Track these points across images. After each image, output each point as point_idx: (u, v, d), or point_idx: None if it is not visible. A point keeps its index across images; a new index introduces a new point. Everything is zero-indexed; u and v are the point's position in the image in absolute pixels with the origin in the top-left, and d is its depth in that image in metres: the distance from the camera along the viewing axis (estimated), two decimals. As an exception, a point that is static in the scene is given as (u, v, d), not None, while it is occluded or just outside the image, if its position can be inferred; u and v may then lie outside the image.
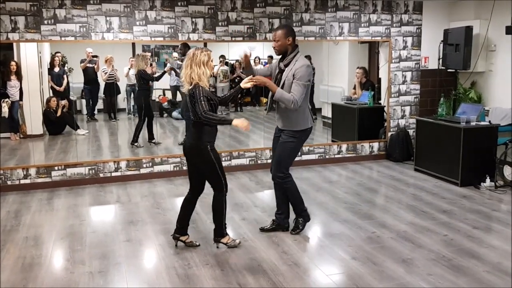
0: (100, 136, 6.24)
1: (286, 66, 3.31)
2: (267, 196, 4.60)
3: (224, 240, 3.26)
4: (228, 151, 5.49)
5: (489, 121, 5.02)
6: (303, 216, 3.56)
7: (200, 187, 3.24)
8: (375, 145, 6.06)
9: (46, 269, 3.01)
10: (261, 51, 6.47)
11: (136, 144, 5.74)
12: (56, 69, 5.65)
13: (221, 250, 3.27)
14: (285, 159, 3.44)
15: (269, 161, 5.58)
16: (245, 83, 3.24)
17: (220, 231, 3.24)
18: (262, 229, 3.59)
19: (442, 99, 5.30)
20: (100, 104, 6.25)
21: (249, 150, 5.58)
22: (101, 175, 5.04)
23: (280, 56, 3.41)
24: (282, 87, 3.28)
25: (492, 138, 4.83)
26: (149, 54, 6.04)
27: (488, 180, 4.72)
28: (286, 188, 3.48)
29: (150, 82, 5.96)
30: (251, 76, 3.31)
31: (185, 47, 5.50)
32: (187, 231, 3.32)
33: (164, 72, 6.07)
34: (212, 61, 3.09)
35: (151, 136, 5.87)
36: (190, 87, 3.01)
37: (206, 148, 3.05)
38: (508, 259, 3.09)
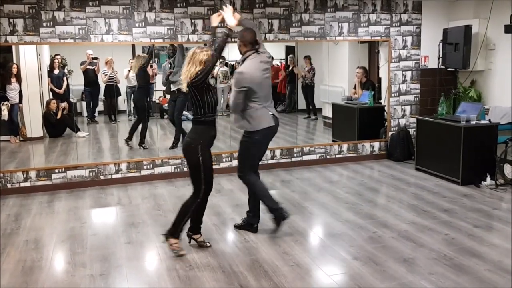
0: (100, 138, 6.24)
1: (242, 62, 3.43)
2: (268, 196, 4.60)
3: (171, 241, 3.16)
4: (229, 152, 5.48)
5: (489, 120, 5.02)
6: (278, 215, 3.42)
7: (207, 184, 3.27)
8: (376, 144, 6.06)
9: (46, 272, 3.00)
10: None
11: (143, 145, 5.73)
12: (56, 71, 5.65)
13: (222, 251, 3.26)
14: (241, 159, 3.50)
15: (271, 161, 5.59)
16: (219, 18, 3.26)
17: (172, 230, 3.16)
18: (235, 226, 3.67)
19: (442, 98, 5.30)
20: (100, 106, 6.24)
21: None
22: (102, 177, 5.03)
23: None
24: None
25: (492, 137, 4.82)
26: (147, 55, 5.98)
27: (488, 178, 4.71)
28: (248, 187, 3.51)
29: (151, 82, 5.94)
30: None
31: (174, 47, 5.63)
32: (200, 230, 3.34)
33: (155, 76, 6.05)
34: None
35: (142, 140, 5.79)
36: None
37: (197, 147, 3.05)
38: (509, 257, 3.08)
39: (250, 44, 3.37)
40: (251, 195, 3.60)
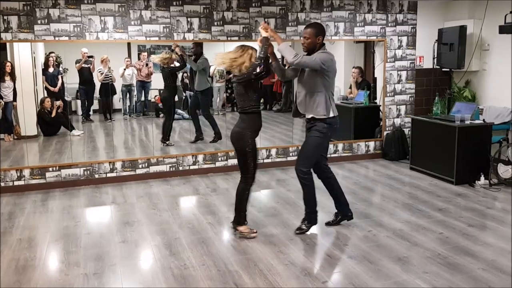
0: (95, 136, 6.21)
1: None
2: (264, 196, 4.60)
3: (240, 229, 3.41)
4: (225, 151, 5.47)
5: (483, 120, 5.05)
6: (311, 219, 3.55)
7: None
8: (371, 144, 6.08)
9: (40, 271, 2.98)
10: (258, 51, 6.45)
11: (167, 142, 5.75)
12: (51, 70, 5.61)
13: (217, 250, 3.26)
14: (310, 154, 3.43)
15: (266, 160, 5.58)
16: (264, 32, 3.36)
17: (237, 219, 3.42)
18: (328, 224, 3.66)
19: (437, 98, 5.32)
20: (95, 105, 6.21)
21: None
22: (96, 176, 5.01)
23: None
24: (303, 77, 3.40)
25: (486, 137, 4.85)
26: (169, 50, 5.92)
27: (482, 178, 4.74)
28: (304, 185, 3.46)
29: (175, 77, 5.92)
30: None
31: (197, 46, 5.66)
32: (245, 220, 3.46)
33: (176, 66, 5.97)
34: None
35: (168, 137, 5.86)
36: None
37: (247, 135, 3.30)
38: (503, 256, 3.10)
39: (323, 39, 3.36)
40: (329, 189, 3.60)
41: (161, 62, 5.75)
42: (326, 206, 3.92)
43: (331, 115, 3.37)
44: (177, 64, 5.77)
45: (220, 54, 3.39)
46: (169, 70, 5.78)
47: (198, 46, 5.75)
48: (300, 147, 3.64)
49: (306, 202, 3.53)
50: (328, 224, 3.66)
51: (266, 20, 3.40)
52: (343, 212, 3.66)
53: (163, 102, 6.09)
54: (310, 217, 3.55)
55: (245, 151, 3.33)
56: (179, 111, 6.68)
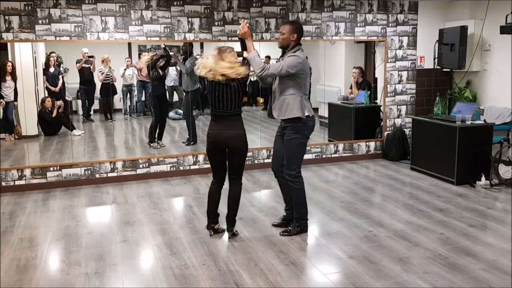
0: (96, 136, 6.21)
1: None
2: (264, 195, 4.60)
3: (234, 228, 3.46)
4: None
5: (484, 120, 5.05)
6: (301, 225, 3.49)
7: (225, 175, 3.46)
8: (372, 144, 6.08)
9: (41, 270, 2.99)
10: (258, 51, 6.44)
11: (159, 142, 5.70)
12: (51, 69, 5.62)
13: (218, 250, 3.26)
14: (293, 156, 3.39)
15: (267, 160, 5.58)
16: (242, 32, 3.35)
17: (233, 220, 3.45)
18: (274, 225, 3.65)
19: (437, 98, 5.32)
20: (96, 105, 6.22)
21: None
22: (97, 175, 5.01)
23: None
24: (276, 81, 3.38)
25: (487, 137, 4.85)
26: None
27: (483, 178, 4.74)
28: (293, 189, 3.41)
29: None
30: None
31: (188, 45, 5.59)
32: (218, 219, 3.52)
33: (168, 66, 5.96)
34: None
35: (158, 138, 5.78)
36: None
37: (245, 137, 3.32)
38: (504, 257, 3.11)
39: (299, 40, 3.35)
40: (285, 192, 3.55)
41: (147, 63, 5.69)
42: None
43: (306, 114, 3.35)
44: (162, 61, 5.69)
45: (207, 65, 3.18)
46: (157, 69, 5.68)
47: (188, 45, 5.67)
48: (273, 150, 3.60)
49: (297, 208, 3.46)
50: (274, 225, 3.64)
51: (247, 21, 3.38)
52: (291, 217, 3.58)
53: (152, 103, 5.96)
54: (300, 223, 3.49)
55: (245, 152, 3.36)
56: (180, 111, 6.67)
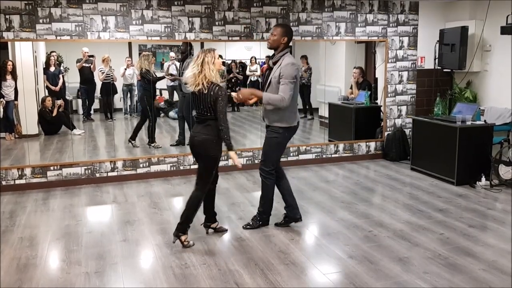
0: (96, 136, 6.22)
1: (274, 64, 3.43)
2: (264, 195, 4.60)
3: (183, 238, 3.25)
4: (225, 151, 5.47)
5: (485, 121, 5.05)
6: (263, 220, 3.60)
7: (214, 176, 3.38)
8: (372, 144, 6.08)
9: (41, 269, 2.99)
10: (258, 51, 6.46)
11: (133, 142, 5.71)
12: (52, 69, 5.62)
13: (218, 249, 3.26)
14: (270, 154, 3.47)
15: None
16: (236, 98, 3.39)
17: (183, 227, 3.25)
18: (277, 224, 3.65)
19: (438, 98, 5.32)
20: (96, 104, 6.22)
21: (246, 149, 5.57)
22: (98, 175, 5.02)
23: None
24: (269, 85, 3.39)
25: (488, 137, 4.85)
26: (151, 54, 5.94)
27: (483, 179, 4.74)
28: (264, 184, 3.50)
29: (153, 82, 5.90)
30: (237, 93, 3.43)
31: (186, 45, 5.54)
32: (215, 218, 3.54)
33: (163, 77, 6.05)
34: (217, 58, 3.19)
35: (151, 140, 5.78)
36: (213, 86, 3.10)
37: (216, 142, 3.20)
38: (504, 257, 3.11)
39: (289, 43, 3.39)
40: (281, 191, 3.58)
41: (141, 66, 5.69)
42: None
43: (292, 125, 3.42)
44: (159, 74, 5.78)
45: (194, 75, 3.11)
46: (143, 75, 5.68)
47: (186, 45, 5.65)
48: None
49: (263, 202, 3.55)
50: (277, 225, 3.66)
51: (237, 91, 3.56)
52: (292, 215, 3.62)
53: (141, 103, 5.98)
54: (262, 217, 3.59)
55: (210, 158, 3.22)
56: (172, 113, 6.69)
